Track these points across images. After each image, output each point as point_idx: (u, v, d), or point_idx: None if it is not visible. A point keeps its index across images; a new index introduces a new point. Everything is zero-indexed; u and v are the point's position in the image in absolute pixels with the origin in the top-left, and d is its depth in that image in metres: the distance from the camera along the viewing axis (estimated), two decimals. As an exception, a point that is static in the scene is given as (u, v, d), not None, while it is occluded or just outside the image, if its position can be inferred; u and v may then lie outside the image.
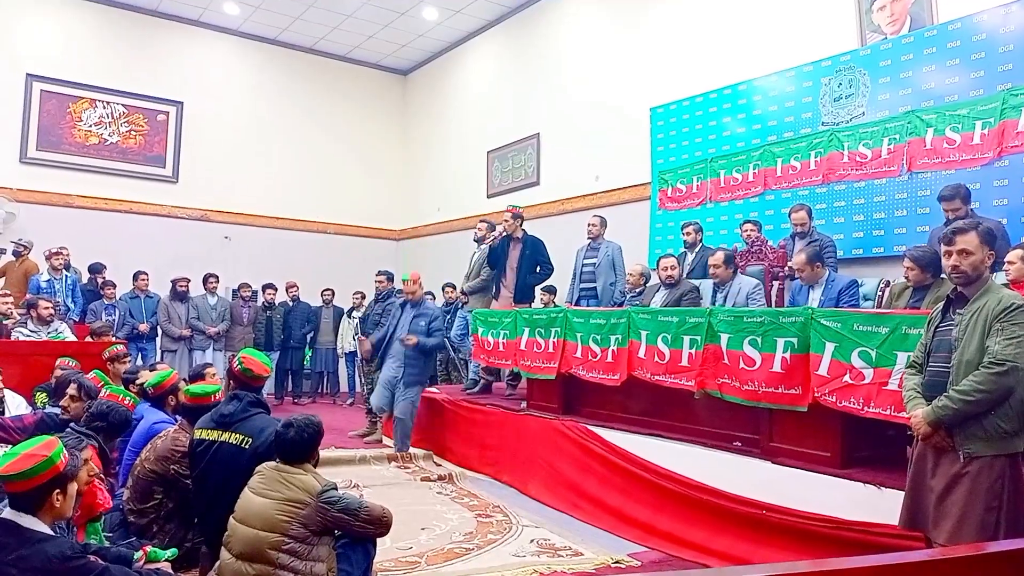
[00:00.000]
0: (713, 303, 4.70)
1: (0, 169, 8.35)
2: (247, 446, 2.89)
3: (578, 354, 4.82)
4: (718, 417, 4.00)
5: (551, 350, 5.05)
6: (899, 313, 3.26)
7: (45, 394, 4.48)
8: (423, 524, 4.15)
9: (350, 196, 10.88)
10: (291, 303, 9.03)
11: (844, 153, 5.41)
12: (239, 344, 7.76)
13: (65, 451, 2.13)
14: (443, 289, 8.37)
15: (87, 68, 8.95)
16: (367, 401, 6.68)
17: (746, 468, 3.64)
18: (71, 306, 7.03)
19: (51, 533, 2.06)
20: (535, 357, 5.21)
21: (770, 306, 4.52)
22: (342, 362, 9.44)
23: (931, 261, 3.69)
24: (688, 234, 5.79)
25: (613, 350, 4.52)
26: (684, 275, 5.39)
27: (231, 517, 2.63)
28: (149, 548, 2.70)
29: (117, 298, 7.58)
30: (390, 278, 6.95)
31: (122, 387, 3.94)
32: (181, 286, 7.99)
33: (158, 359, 7.33)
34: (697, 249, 5.75)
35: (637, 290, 5.49)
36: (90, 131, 9.00)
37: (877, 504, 2.99)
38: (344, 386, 9.57)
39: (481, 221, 7.03)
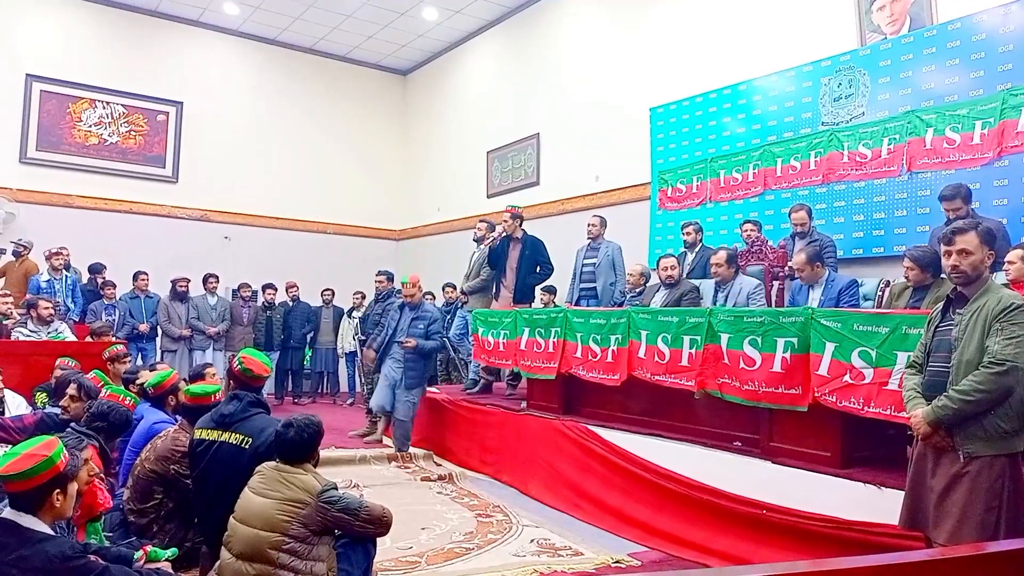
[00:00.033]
0: (714, 302, 4.70)
1: (0, 169, 8.35)
2: (247, 446, 2.89)
3: (578, 354, 4.82)
4: (718, 417, 4.00)
5: (551, 350, 5.05)
6: (899, 313, 3.26)
7: (45, 394, 4.48)
8: (423, 524, 4.15)
9: (350, 196, 10.88)
10: (291, 303, 9.03)
11: (844, 153, 5.41)
12: (239, 344, 7.75)
13: (65, 451, 2.13)
14: (443, 289, 8.37)
15: (87, 68, 8.95)
16: (367, 401, 6.68)
17: (746, 468, 3.64)
18: (71, 306, 7.03)
19: (51, 533, 2.06)
20: (535, 357, 5.21)
21: (770, 306, 4.52)
22: (342, 362, 9.44)
23: (931, 261, 3.69)
24: (688, 234, 5.79)
25: (613, 350, 4.52)
26: (684, 275, 5.40)
27: (231, 517, 2.64)
28: (149, 548, 2.70)
29: (117, 298, 7.58)
30: (390, 278, 6.96)
31: (122, 387, 3.94)
32: (181, 286, 7.99)
33: (158, 359, 7.33)
34: (697, 249, 5.75)
35: (637, 290, 5.49)
36: (90, 131, 9.00)
37: (877, 504, 2.99)
38: (344, 386, 9.57)
39: (481, 221, 7.04)
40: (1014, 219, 4.42)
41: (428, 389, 6.32)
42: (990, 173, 4.61)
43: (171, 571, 2.66)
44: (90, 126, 9.00)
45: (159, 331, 7.95)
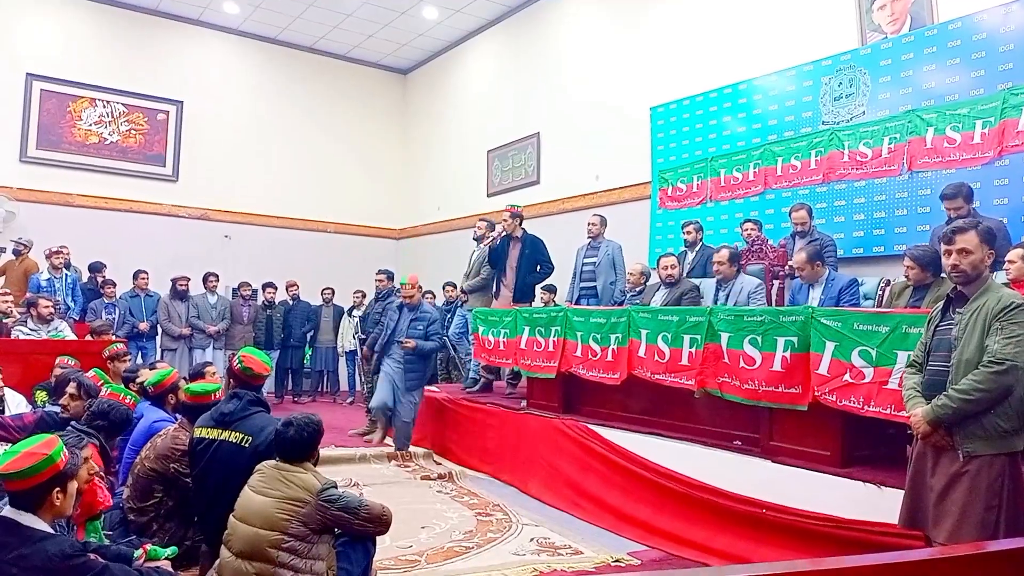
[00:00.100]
0: (715, 301, 4.70)
1: (0, 168, 8.34)
2: (247, 445, 2.89)
3: (578, 353, 4.82)
4: (718, 416, 4.00)
5: (551, 349, 5.05)
6: (899, 312, 3.26)
7: (45, 393, 4.48)
8: (423, 522, 4.15)
9: (350, 195, 10.88)
10: (291, 302, 9.03)
11: (844, 152, 5.41)
12: (239, 343, 7.76)
13: (65, 449, 2.13)
14: (443, 288, 8.37)
15: (87, 67, 8.94)
16: (367, 400, 6.67)
17: (746, 467, 3.64)
18: (71, 305, 7.03)
19: (51, 531, 2.06)
20: (535, 356, 5.21)
21: (770, 305, 4.52)
22: (342, 361, 9.44)
23: (931, 260, 3.69)
24: (688, 233, 5.79)
25: (613, 349, 4.52)
26: (684, 274, 5.40)
27: (231, 515, 2.64)
28: (149, 546, 2.70)
29: (117, 297, 7.58)
30: (390, 277, 6.95)
31: (122, 386, 3.94)
32: (181, 285, 7.99)
33: (158, 358, 7.34)
34: (697, 248, 5.75)
35: (637, 289, 5.49)
36: (90, 130, 9.00)
37: (877, 503, 2.99)
38: (344, 385, 9.58)
39: (480, 220, 7.04)
40: (1014, 218, 4.42)
41: (428, 388, 6.32)
42: (990, 172, 4.61)
43: (171, 570, 2.66)
44: (90, 125, 9.00)
45: (159, 330, 7.95)
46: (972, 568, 1.36)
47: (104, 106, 9.09)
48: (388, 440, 6.10)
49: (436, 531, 4.04)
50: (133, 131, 9.29)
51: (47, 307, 5.85)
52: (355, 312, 8.94)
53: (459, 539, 3.91)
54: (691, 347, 3.98)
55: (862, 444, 3.43)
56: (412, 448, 5.96)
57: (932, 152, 4.88)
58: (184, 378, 4.31)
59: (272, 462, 2.68)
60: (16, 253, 7.39)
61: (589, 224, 6.32)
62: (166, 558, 2.71)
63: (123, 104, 9.21)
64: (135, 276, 7.87)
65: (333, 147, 10.76)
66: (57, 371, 4.51)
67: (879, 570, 1.27)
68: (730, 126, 6.40)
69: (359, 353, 8.10)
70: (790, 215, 5.11)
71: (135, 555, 2.53)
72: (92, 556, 2.10)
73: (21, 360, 4.93)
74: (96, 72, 8.99)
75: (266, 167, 10.17)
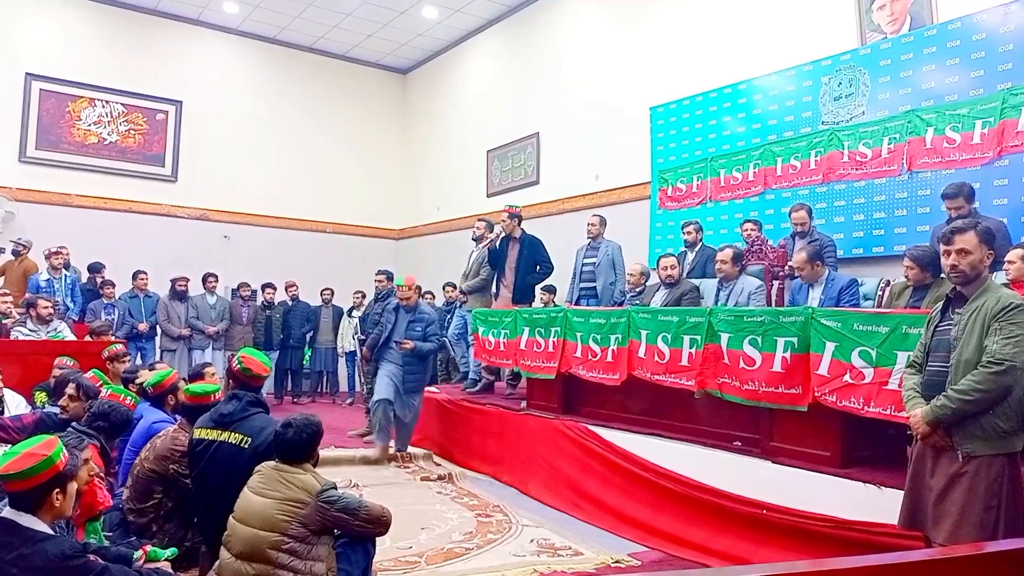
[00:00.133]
0: (716, 301, 4.70)
1: (-1, 168, 8.36)
2: (246, 445, 2.89)
3: (578, 354, 4.82)
4: (718, 417, 4.00)
5: (551, 350, 5.05)
6: (899, 313, 3.26)
7: (45, 393, 4.48)
8: (423, 524, 4.15)
9: (350, 195, 10.88)
10: (290, 302, 9.03)
11: (844, 152, 5.41)
12: (238, 343, 7.75)
13: (65, 450, 2.13)
14: (443, 288, 8.36)
15: (86, 67, 8.94)
16: (367, 401, 6.65)
17: (746, 468, 3.64)
18: (70, 305, 7.02)
19: (51, 532, 2.06)
20: (535, 357, 5.21)
21: (770, 306, 4.52)
22: (342, 361, 9.44)
23: (931, 260, 3.69)
24: (688, 233, 5.79)
25: (613, 350, 4.52)
26: (684, 274, 5.39)
27: (231, 516, 2.64)
28: (149, 547, 2.70)
29: (116, 297, 7.58)
30: (390, 277, 6.94)
31: (122, 386, 3.94)
32: (180, 285, 7.99)
33: (157, 358, 7.33)
34: (697, 248, 5.75)
35: (637, 289, 5.49)
36: (89, 130, 9.00)
37: (877, 504, 2.99)
38: (344, 386, 9.58)
39: (480, 220, 7.03)
40: (1014, 218, 4.42)
41: (428, 389, 6.30)
42: (990, 173, 4.61)
43: (170, 571, 2.66)
44: (89, 125, 9.00)
45: (158, 330, 7.95)
46: (971, 568, 1.36)
47: (103, 106, 9.09)
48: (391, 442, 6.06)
49: (436, 532, 4.04)
50: (132, 131, 9.28)
51: (46, 308, 5.85)
52: (355, 313, 8.94)
53: (459, 540, 3.90)
54: (691, 348, 3.98)
55: (862, 445, 3.43)
56: (412, 449, 5.95)
57: (932, 152, 4.88)
58: (183, 379, 4.30)
59: (272, 463, 2.68)
60: (15, 253, 7.39)
61: (589, 224, 6.31)
62: (166, 559, 2.71)
63: (122, 104, 9.20)
64: (134, 277, 7.87)
65: (333, 147, 10.75)
66: (56, 372, 4.51)
67: (879, 570, 1.27)
68: (730, 126, 6.40)
69: (359, 354, 8.10)
70: (790, 215, 5.11)
71: (135, 556, 2.53)
72: (92, 557, 2.10)
73: (20, 361, 4.92)
74: (95, 72, 8.99)
75: (266, 167, 10.17)
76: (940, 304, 2.59)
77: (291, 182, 10.37)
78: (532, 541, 3.93)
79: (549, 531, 4.12)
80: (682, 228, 5.89)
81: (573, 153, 8.22)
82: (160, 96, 9.42)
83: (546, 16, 8.75)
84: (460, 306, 7.25)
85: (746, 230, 5.33)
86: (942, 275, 3.44)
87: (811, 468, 3.38)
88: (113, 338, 5.93)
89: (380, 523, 2.70)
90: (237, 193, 9.88)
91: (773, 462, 3.55)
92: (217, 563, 2.65)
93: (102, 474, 2.93)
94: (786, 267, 4.59)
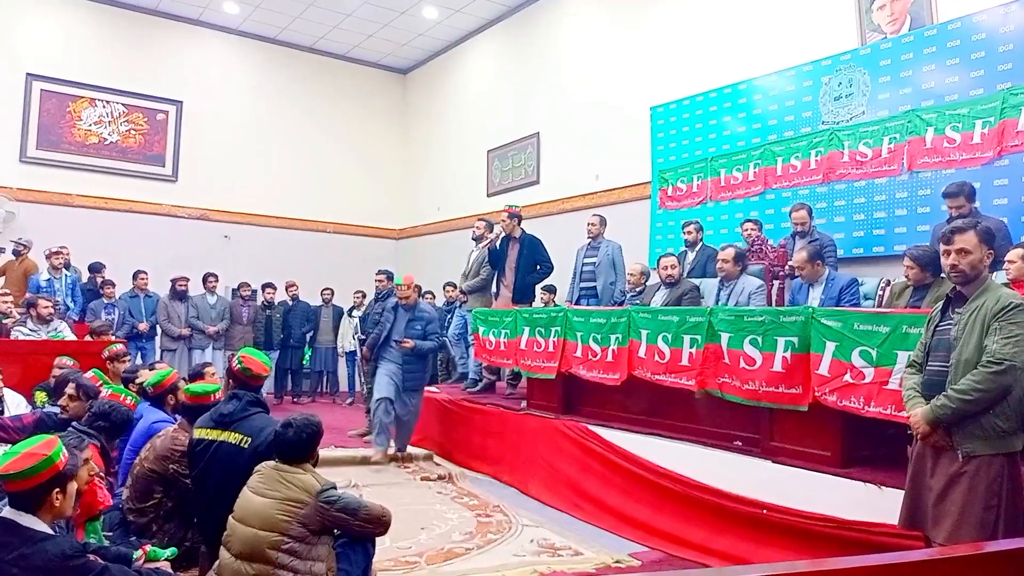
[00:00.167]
0: (717, 300, 4.70)
1: (0, 168, 8.34)
2: (246, 445, 2.88)
3: (578, 353, 4.81)
4: (718, 417, 4.00)
5: (551, 349, 5.05)
6: (899, 312, 3.26)
7: (45, 393, 4.48)
8: (423, 524, 4.15)
9: (350, 195, 10.88)
10: (291, 302, 9.03)
11: (844, 152, 5.41)
12: (238, 343, 7.75)
13: (64, 450, 2.13)
14: (444, 288, 8.37)
15: (87, 67, 8.94)
16: (367, 400, 6.65)
17: (746, 468, 3.64)
18: (71, 305, 7.03)
19: (51, 532, 2.06)
20: (535, 356, 5.21)
21: (770, 305, 4.52)
22: (342, 361, 9.45)
23: (931, 260, 3.68)
24: (689, 233, 5.79)
25: (613, 349, 4.52)
26: (684, 274, 5.39)
27: (230, 516, 2.63)
28: (148, 547, 2.70)
29: (117, 297, 7.58)
30: (390, 277, 6.94)
31: (122, 386, 3.94)
32: (180, 285, 7.99)
33: (157, 358, 7.33)
34: (697, 248, 5.75)
35: (637, 289, 5.49)
36: (90, 130, 9.00)
37: (877, 503, 2.99)
38: (344, 385, 9.58)
39: (480, 220, 7.03)
40: (1014, 218, 4.41)
41: (428, 388, 6.30)
42: (990, 172, 4.61)
43: (170, 571, 2.66)
44: (90, 125, 9.00)
45: (158, 330, 7.95)
46: (971, 568, 1.36)
47: (104, 106, 9.09)
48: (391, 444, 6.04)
49: (436, 532, 4.04)
50: (133, 131, 9.29)
51: (46, 307, 5.85)
52: (355, 312, 8.94)
53: (459, 540, 3.90)
54: (691, 347, 3.98)
55: (862, 444, 3.42)
56: (412, 449, 5.95)
57: (932, 152, 4.88)
58: (183, 379, 4.31)
59: (271, 463, 2.68)
60: (16, 253, 7.39)
61: (589, 224, 6.31)
62: (166, 559, 2.71)
63: (123, 104, 9.20)
64: (134, 276, 7.87)
65: (333, 147, 10.75)
66: (56, 372, 4.51)
67: (879, 570, 1.27)
68: (730, 126, 6.40)
69: (359, 354, 8.10)
70: (790, 215, 5.11)
71: (135, 556, 2.54)
72: (92, 557, 2.10)
73: (21, 361, 4.92)
74: (96, 72, 8.99)
75: (266, 167, 10.17)
76: (940, 304, 2.59)
77: (291, 182, 10.37)
78: (532, 541, 3.93)
79: (549, 531, 4.12)
80: (682, 228, 5.89)
81: (573, 153, 8.22)
82: (160, 96, 9.42)
83: (546, 16, 8.75)
84: (460, 306, 7.25)
85: (746, 230, 5.33)
86: (942, 275, 3.43)
87: (811, 468, 3.38)
88: (113, 338, 5.93)
89: (380, 523, 2.70)
90: (237, 193, 9.88)
91: (773, 462, 3.54)
92: (217, 563, 2.65)
93: (102, 474, 2.93)
94: (786, 267, 4.59)
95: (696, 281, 5.23)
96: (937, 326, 2.53)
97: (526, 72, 9.03)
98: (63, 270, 7.09)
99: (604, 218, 6.35)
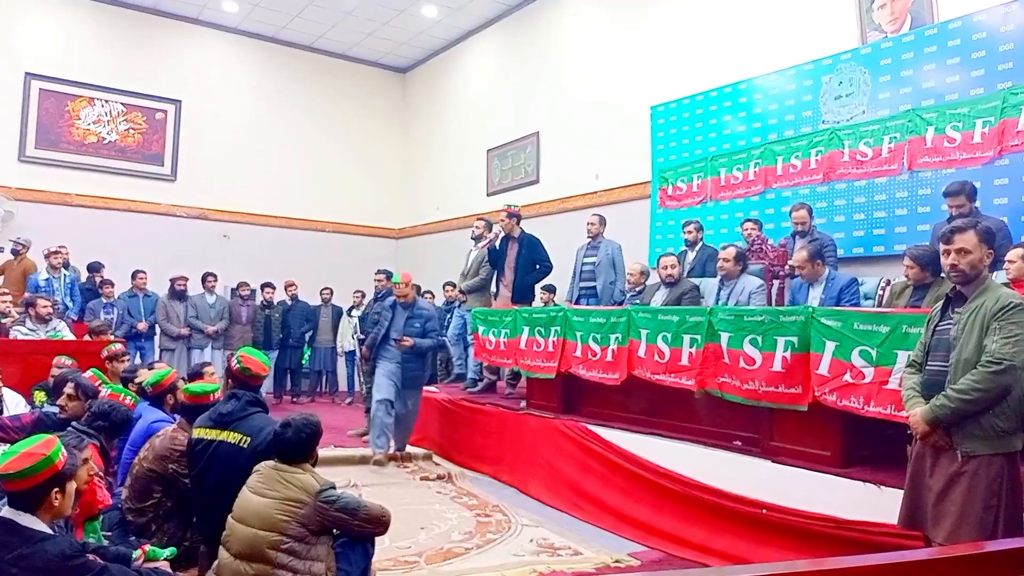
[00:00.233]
0: (717, 300, 4.70)
1: (-1, 167, 8.35)
2: (246, 445, 2.88)
3: (578, 353, 4.81)
4: (718, 416, 3.99)
5: (551, 349, 5.05)
6: (899, 312, 3.26)
7: (44, 393, 4.47)
8: (422, 523, 4.15)
9: (349, 195, 10.87)
10: (290, 302, 9.03)
11: (845, 152, 5.41)
12: (238, 343, 7.75)
13: (64, 450, 2.12)
14: (443, 288, 8.37)
15: (86, 66, 8.93)
16: (366, 400, 6.64)
17: (746, 467, 3.63)
18: (69, 305, 7.02)
19: (50, 532, 2.06)
20: (535, 356, 5.21)
21: (770, 305, 4.52)
22: (341, 361, 9.44)
23: (931, 260, 3.68)
24: (689, 232, 5.79)
25: (613, 349, 4.52)
26: (684, 274, 5.39)
27: (230, 516, 2.63)
28: (148, 547, 2.70)
29: (115, 297, 7.57)
30: (389, 276, 6.93)
31: (121, 386, 3.93)
32: (180, 285, 7.98)
33: (156, 358, 7.32)
34: (698, 248, 5.75)
35: (637, 289, 5.49)
36: (88, 129, 8.99)
37: (877, 503, 2.99)
38: (343, 385, 9.58)
39: (479, 219, 7.03)
40: (1015, 218, 4.41)
41: (428, 388, 6.30)
42: (991, 172, 4.61)
43: (170, 570, 2.66)
44: (89, 124, 8.99)
45: (157, 330, 7.94)
46: (971, 568, 1.36)
47: (103, 105, 9.08)
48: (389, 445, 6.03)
49: (435, 532, 4.03)
50: (132, 130, 9.28)
51: (45, 307, 5.84)
52: (354, 312, 8.93)
53: (458, 540, 3.90)
54: (691, 347, 3.97)
55: (862, 444, 3.42)
56: (411, 449, 5.94)
57: (932, 151, 4.88)
58: (183, 378, 4.30)
59: (271, 463, 2.68)
60: (14, 253, 7.39)
61: (588, 224, 6.31)
62: (165, 559, 2.71)
63: (122, 103, 9.19)
64: (133, 276, 7.86)
65: (332, 146, 10.74)
66: (55, 371, 4.51)
67: (879, 570, 1.27)
68: (730, 126, 6.40)
69: (358, 353, 8.10)
70: (790, 215, 5.11)
71: (134, 556, 2.53)
72: (91, 557, 2.10)
73: (19, 360, 4.92)
74: (95, 71, 8.98)
75: (265, 167, 10.16)
76: (940, 303, 2.59)
77: (291, 181, 10.36)
78: (532, 541, 3.93)
79: (549, 531, 4.11)
80: (683, 227, 5.88)
81: (573, 152, 8.22)
82: (159, 95, 9.41)
83: (546, 16, 8.75)
84: (459, 306, 7.25)
85: (746, 229, 5.33)
86: (942, 274, 3.43)
87: (811, 468, 3.37)
88: (112, 337, 5.93)
89: (379, 523, 2.70)
90: (236, 192, 9.87)
91: (773, 462, 3.54)
92: (216, 563, 2.65)
93: (101, 473, 2.93)
94: (786, 266, 4.59)
95: (696, 281, 5.22)
96: (937, 326, 2.53)
97: (526, 71, 9.02)
98: (62, 269, 7.08)
99: (604, 218, 6.35)
